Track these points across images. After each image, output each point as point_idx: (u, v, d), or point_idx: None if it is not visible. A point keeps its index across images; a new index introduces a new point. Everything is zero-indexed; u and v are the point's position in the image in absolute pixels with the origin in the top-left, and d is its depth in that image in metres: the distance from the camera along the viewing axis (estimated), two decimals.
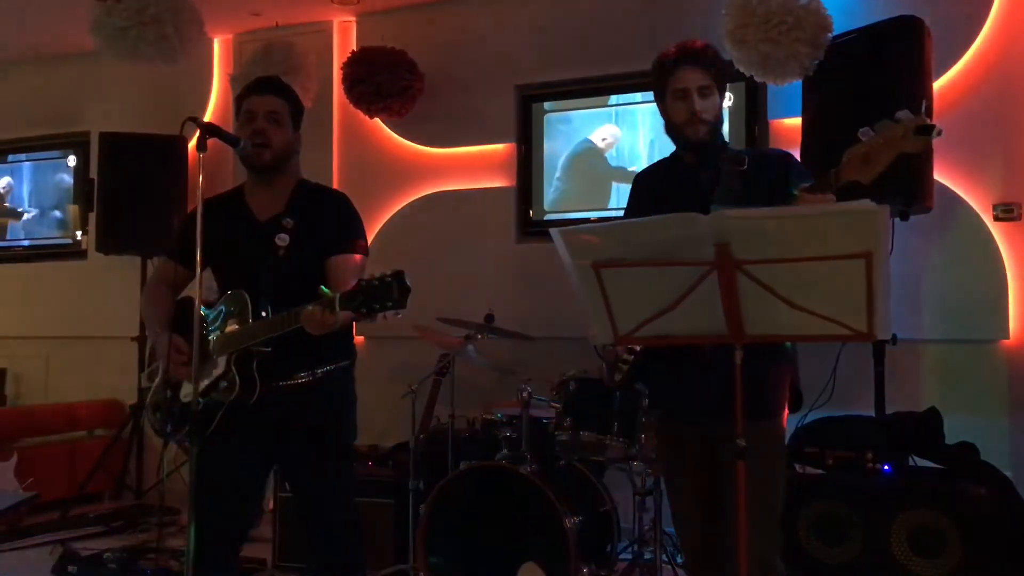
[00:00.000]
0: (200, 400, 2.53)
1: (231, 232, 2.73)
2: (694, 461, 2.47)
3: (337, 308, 2.31)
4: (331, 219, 2.74)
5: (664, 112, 2.54)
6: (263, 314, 2.55)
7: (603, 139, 5.09)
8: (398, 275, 2.25)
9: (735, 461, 2.04)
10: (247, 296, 2.60)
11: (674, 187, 2.54)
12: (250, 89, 2.79)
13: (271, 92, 2.77)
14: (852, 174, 2.05)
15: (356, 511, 2.82)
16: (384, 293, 2.24)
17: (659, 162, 2.73)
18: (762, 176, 2.38)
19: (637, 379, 2.59)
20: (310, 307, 2.36)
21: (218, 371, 2.58)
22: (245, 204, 2.79)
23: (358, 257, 2.71)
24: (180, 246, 2.71)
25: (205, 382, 2.59)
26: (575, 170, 5.17)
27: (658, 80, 2.51)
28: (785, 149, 2.78)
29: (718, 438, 2.31)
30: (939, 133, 1.93)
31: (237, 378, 2.54)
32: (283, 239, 2.66)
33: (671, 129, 2.53)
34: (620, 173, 5.02)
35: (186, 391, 2.65)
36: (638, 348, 2.50)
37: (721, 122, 2.51)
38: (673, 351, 2.38)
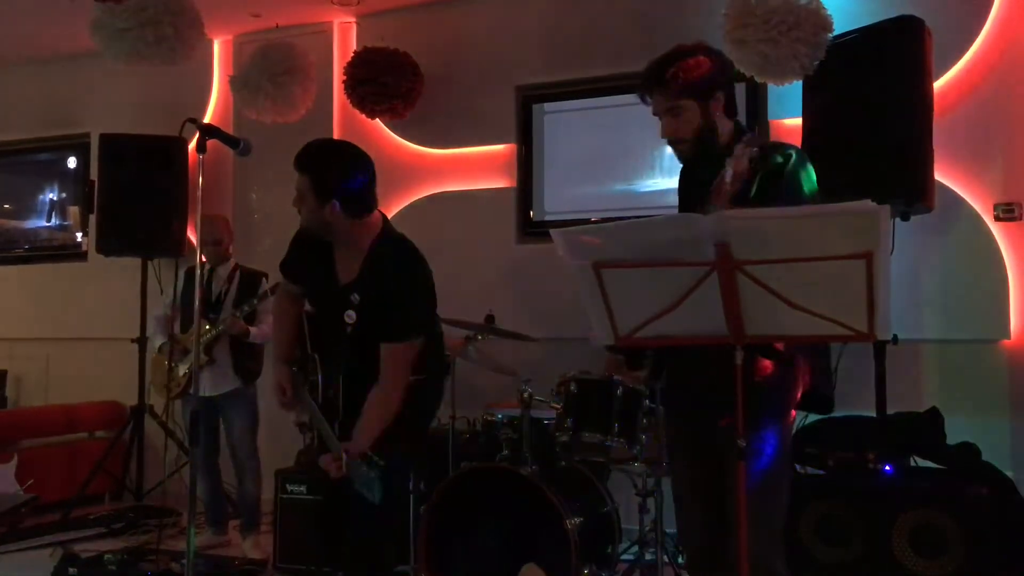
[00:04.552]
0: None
1: (318, 285, 2.88)
2: (693, 462, 2.45)
3: (342, 468, 2.61)
4: (388, 299, 2.75)
5: None
6: (330, 393, 2.77)
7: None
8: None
9: (735, 462, 2.03)
10: (316, 373, 2.82)
11: (688, 186, 2.53)
12: None
13: (297, 169, 2.79)
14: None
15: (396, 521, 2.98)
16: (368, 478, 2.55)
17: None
18: (754, 180, 2.24)
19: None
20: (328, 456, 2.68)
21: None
22: (332, 258, 2.87)
23: (404, 348, 2.74)
24: (288, 261, 2.93)
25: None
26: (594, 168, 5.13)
27: None
28: None
29: (717, 438, 2.29)
30: None
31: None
32: (351, 316, 2.75)
33: None
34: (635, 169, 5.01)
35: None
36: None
37: (709, 129, 2.36)
38: (674, 350, 2.37)
